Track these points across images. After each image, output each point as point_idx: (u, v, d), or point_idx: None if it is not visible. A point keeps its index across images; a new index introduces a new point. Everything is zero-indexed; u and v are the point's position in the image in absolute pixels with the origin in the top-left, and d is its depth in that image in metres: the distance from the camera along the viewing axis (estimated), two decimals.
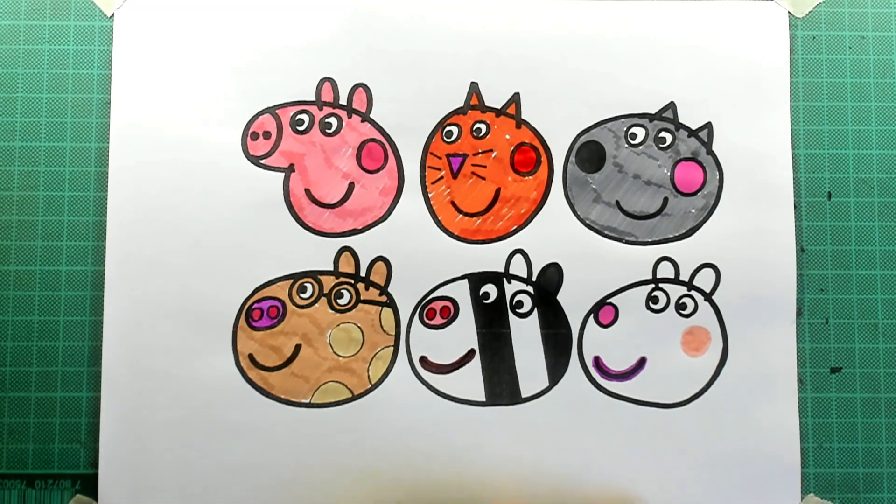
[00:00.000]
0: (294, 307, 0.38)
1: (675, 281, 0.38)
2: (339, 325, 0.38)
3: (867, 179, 0.39)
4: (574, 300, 0.38)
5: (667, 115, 0.39)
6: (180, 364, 0.37)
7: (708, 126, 0.39)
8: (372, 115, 0.39)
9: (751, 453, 0.38)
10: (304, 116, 0.39)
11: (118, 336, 0.37)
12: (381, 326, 0.38)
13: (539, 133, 0.39)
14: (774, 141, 0.39)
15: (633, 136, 0.39)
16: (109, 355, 0.37)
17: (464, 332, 0.38)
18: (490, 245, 0.38)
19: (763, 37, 0.39)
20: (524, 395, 0.38)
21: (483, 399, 0.38)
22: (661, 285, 0.38)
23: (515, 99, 0.39)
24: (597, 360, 0.38)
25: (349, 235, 0.38)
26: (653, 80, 0.39)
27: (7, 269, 0.38)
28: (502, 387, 0.38)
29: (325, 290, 0.38)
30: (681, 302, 0.38)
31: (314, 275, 0.38)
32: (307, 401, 0.37)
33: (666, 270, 0.38)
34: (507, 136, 0.39)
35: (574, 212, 0.39)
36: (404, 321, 0.38)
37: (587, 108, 0.39)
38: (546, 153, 0.39)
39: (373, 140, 0.39)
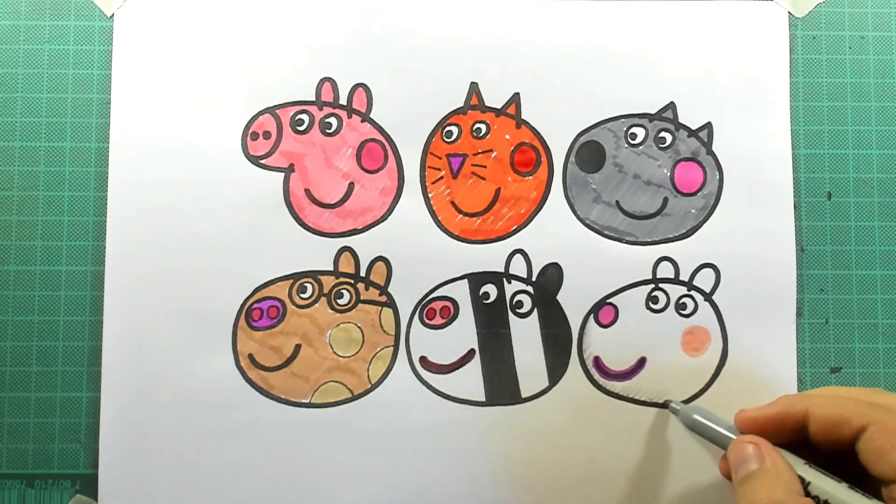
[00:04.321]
0: (294, 307, 0.38)
1: (675, 281, 0.38)
2: (339, 325, 0.38)
3: (867, 179, 0.39)
4: (574, 300, 0.38)
5: (667, 115, 0.39)
6: (180, 364, 0.37)
7: (708, 126, 0.39)
8: (372, 115, 0.39)
9: None
10: (304, 116, 0.39)
11: (118, 336, 0.37)
12: (381, 326, 0.38)
13: (539, 133, 0.39)
14: (774, 141, 0.39)
15: (633, 136, 0.39)
16: (109, 355, 0.37)
17: (464, 332, 0.38)
18: (490, 245, 0.38)
19: (763, 37, 0.39)
20: (524, 395, 0.38)
21: (483, 399, 0.38)
22: (661, 285, 0.38)
23: (515, 99, 0.39)
24: (597, 360, 0.38)
25: (349, 235, 0.38)
26: (653, 80, 0.39)
27: (7, 269, 0.38)
28: (502, 387, 0.38)
29: (325, 290, 0.38)
30: (681, 302, 0.38)
31: (314, 275, 0.38)
32: (307, 401, 0.37)
33: (666, 270, 0.38)
34: (507, 136, 0.39)
35: (574, 212, 0.39)
36: (404, 321, 0.38)
37: (587, 108, 0.39)
38: (546, 153, 0.39)
39: (373, 140, 0.39)
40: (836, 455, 0.29)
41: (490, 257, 0.38)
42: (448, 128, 0.39)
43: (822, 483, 0.28)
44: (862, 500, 0.27)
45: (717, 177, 0.39)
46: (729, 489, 0.37)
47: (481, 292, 0.38)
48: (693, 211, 0.39)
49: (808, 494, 0.28)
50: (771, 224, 0.39)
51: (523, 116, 0.39)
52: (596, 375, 0.38)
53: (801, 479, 0.28)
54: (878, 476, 0.27)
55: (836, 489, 0.27)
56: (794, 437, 0.30)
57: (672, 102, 0.39)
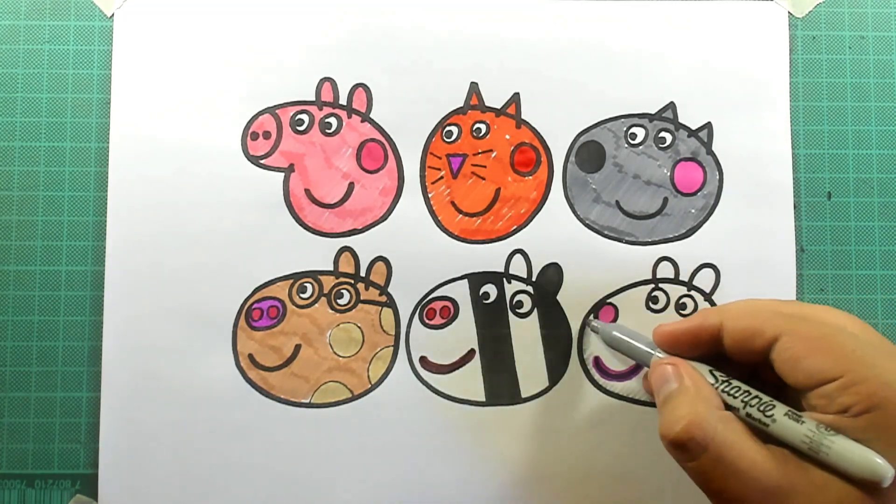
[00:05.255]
0: (294, 307, 0.38)
1: (675, 281, 0.38)
2: (339, 325, 0.38)
3: (867, 179, 0.39)
4: (574, 300, 0.38)
5: (667, 115, 0.39)
6: (180, 364, 0.37)
7: (708, 126, 0.39)
8: (372, 115, 0.39)
9: None
10: (304, 116, 0.39)
11: (118, 336, 0.37)
12: (381, 326, 0.38)
13: (539, 133, 0.39)
14: (774, 141, 0.39)
15: (633, 136, 0.39)
16: (109, 355, 0.37)
17: (464, 332, 0.38)
18: (490, 245, 0.38)
19: (763, 37, 0.39)
20: (524, 395, 0.38)
21: (483, 399, 0.38)
22: (660, 285, 0.38)
23: (515, 99, 0.39)
24: (597, 360, 0.38)
25: (349, 235, 0.38)
26: (653, 80, 0.39)
27: (7, 269, 0.38)
28: (502, 387, 0.38)
29: (325, 290, 0.38)
30: (681, 302, 0.38)
31: (314, 275, 0.38)
32: (307, 401, 0.37)
33: (666, 270, 0.38)
34: (507, 136, 0.39)
35: (574, 212, 0.39)
36: (404, 321, 0.38)
37: (587, 108, 0.39)
38: (546, 153, 0.39)
39: (373, 140, 0.39)
40: (755, 368, 0.29)
41: (490, 257, 0.38)
42: (448, 128, 0.39)
43: (733, 398, 0.28)
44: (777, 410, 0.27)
45: (717, 177, 0.39)
46: None
47: (481, 292, 0.38)
48: (693, 211, 0.39)
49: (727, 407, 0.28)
50: (771, 224, 0.39)
51: (523, 116, 0.39)
52: (596, 375, 0.38)
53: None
54: (794, 385, 0.27)
55: (744, 401, 0.27)
56: (709, 350, 0.30)
57: (672, 102, 0.39)
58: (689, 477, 0.27)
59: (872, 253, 0.39)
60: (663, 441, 0.27)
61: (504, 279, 0.38)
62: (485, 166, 0.39)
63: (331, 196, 0.38)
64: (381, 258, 0.38)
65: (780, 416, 0.26)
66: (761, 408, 0.27)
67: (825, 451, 0.25)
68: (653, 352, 0.32)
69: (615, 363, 0.38)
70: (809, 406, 0.26)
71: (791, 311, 0.28)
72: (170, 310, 0.37)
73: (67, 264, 0.38)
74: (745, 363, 0.29)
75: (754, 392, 0.28)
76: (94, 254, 0.38)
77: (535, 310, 0.38)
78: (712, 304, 0.38)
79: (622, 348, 0.34)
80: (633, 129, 0.39)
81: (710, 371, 0.29)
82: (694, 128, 0.39)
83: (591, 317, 0.38)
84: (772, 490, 0.25)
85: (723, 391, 0.28)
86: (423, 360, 0.38)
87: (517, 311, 0.38)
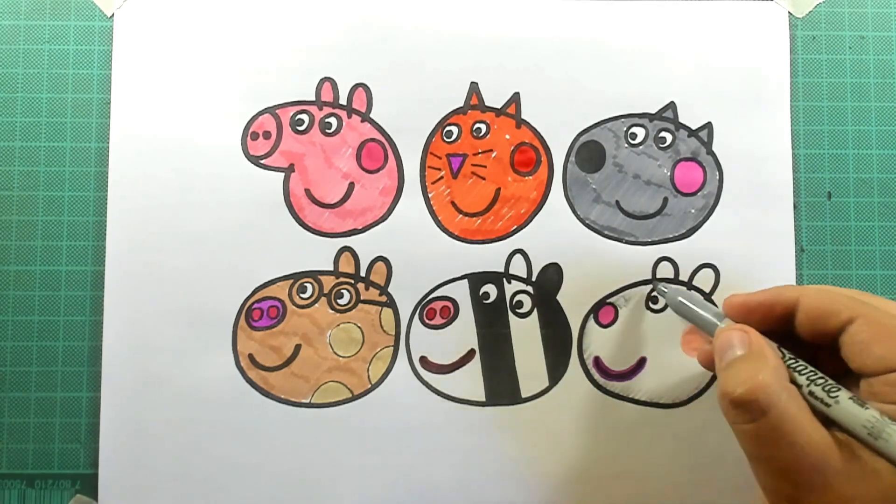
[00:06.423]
0: (294, 307, 0.38)
1: (675, 281, 0.38)
2: (339, 325, 0.38)
3: (867, 179, 0.39)
4: (574, 300, 0.38)
5: (667, 115, 0.39)
6: (180, 364, 0.37)
7: (708, 126, 0.39)
8: (372, 115, 0.39)
9: None
10: (304, 116, 0.39)
11: (118, 336, 0.37)
12: (381, 326, 0.38)
13: (539, 133, 0.39)
14: (774, 141, 0.39)
15: (633, 135, 0.39)
16: (109, 355, 0.37)
17: (464, 332, 0.38)
18: (490, 245, 0.38)
19: (763, 37, 0.39)
20: (524, 395, 0.38)
21: (483, 399, 0.38)
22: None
23: (515, 99, 0.39)
24: (597, 360, 0.38)
25: (349, 235, 0.38)
26: (653, 80, 0.39)
27: (7, 269, 0.38)
28: (502, 387, 0.38)
29: (325, 290, 0.38)
30: None
31: (314, 275, 0.38)
32: (307, 401, 0.37)
33: (665, 270, 0.38)
34: (507, 136, 0.39)
35: (574, 212, 0.39)
36: (404, 321, 0.38)
37: (587, 107, 0.39)
38: (546, 153, 0.39)
39: (373, 140, 0.39)
40: (816, 351, 0.29)
41: (490, 257, 0.38)
42: (448, 128, 0.39)
43: (798, 374, 0.28)
44: (842, 395, 0.26)
45: (717, 177, 0.39)
46: (731, 488, 0.37)
47: (481, 292, 0.38)
48: (693, 211, 0.39)
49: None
50: (771, 224, 0.39)
51: (523, 116, 0.39)
52: (596, 375, 0.38)
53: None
54: (860, 369, 0.27)
55: (813, 382, 0.27)
56: (779, 325, 0.30)
57: (672, 102, 0.39)
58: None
59: (872, 253, 0.39)
60: (723, 400, 0.27)
61: (504, 279, 0.38)
62: (485, 166, 0.39)
63: (331, 196, 0.38)
64: (381, 258, 0.38)
65: (843, 399, 0.26)
66: (826, 388, 0.27)
67: (884, 440, 0.25)
68: (718, 322, 0.32)
69: (615, 363, 0.38)
70: (871, 393, 0.26)
71: (867, 298, 0.28)
72: (170, 310, 0.37)
73: (67, 264, 0.38)
74: (810, 344, 0.29)
75: (820, 373, 0.27)
76: (94, 254, 0.38)
77: (535, 310, 0.38)
78: (712, 304, 0.38)
79: (687, 315, 0.34)
80: (634, 129, 0.39)
81: (778, 347, 0.29)
82: (694, 128, 0.39)
83: (661, 283, 0.37)
84: (822, 468, 0.25)
85: (789, 367, 0.28)
86: (423, 360, 0.38)
87: (517, 311, 0.38)
